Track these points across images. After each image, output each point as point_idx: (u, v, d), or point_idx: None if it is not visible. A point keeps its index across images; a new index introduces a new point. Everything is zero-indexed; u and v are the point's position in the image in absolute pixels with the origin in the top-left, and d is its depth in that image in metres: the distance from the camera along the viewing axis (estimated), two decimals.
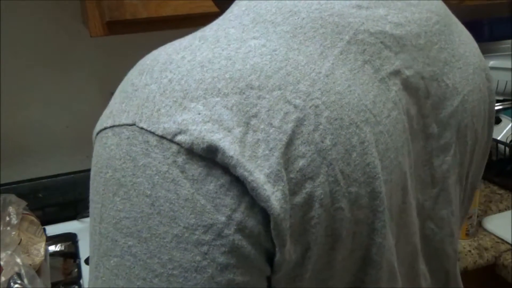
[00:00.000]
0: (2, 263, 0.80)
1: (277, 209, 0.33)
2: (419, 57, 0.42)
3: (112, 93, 0.40)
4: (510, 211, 1.19)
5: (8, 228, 0.87)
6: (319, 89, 0.35)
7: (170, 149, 0.32)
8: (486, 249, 1.07)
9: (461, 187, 0.51)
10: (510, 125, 1.37)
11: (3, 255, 0.81)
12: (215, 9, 1.02)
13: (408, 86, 0.42)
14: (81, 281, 1.00)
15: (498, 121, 1.39)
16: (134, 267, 0.33)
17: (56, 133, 1.29)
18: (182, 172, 0.32)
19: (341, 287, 0.40)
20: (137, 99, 0.34)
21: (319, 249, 0.36)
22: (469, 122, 0.48)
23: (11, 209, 0.90)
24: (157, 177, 0.32)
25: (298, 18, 0.37)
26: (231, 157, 0.32)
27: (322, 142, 0.35)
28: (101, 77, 1.30)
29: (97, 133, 0.37)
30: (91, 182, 0.37)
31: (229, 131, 0.32)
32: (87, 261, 0.95)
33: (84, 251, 1.08)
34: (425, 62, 0.43)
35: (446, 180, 0.47)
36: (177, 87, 0.33)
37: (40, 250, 0.91)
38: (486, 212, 1.20)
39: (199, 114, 0.32)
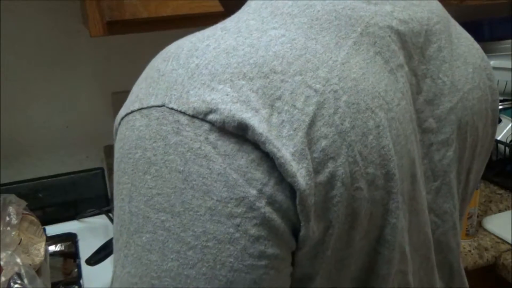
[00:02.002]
0: (2, 263, 0.80)
1: (302, 185, 0.34)
2: (415, 54, 0.44)
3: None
4: (510, 211, 1.19)
5: (8, 228, 0.87)
6: (337, 75, 0.37)
7: (202, 127, 0.34)
8: (486, 249, 1.07)
9: (459, 183, 0.52)
10: (510, 125, 1.37)
11: (3, 255, 0.81)
12: (215, 9, 1.02)
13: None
14: (81, 281, 1.00)
15: (498, 121, 1.38)
16: (167, 241, 0.34)
17: (56, 133, 1.29)
18: (214, 148, 0.33)
19: (357, 266, 0.42)
20: (165, 83, 0.35)
21: (340, 228, 0.38)
22: (469, 120, 0.49)
23: (11, 209, 0.90)
24: (189, 153, 0.33)
25: (314, 11, 0.39)
26: (261, 134, 0.33)
27: (342, 124, 0.37)
28: (101, 77, 1.30)
29: (122, 118, 0.38)
30: (116, 165, 0.37)
31: (256, 111, 0.34)
32: (87, 261, 0.95)
33: (84, 251, 1.08)
34: (420, 60, 0.45)
35: (447, 175, 0.48)
36: (204, 71, 0.35)
37: (40, 250, 0.91)
38: (486, 212, 1.21)
39: (227, 95, 0.34)
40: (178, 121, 0.34)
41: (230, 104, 0.34)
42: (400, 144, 0.41)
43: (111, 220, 1.24)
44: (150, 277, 0.34)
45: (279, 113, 0.35)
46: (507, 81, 1.39)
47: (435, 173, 0.48)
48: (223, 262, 0.34)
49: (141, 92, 0.37)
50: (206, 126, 0.34)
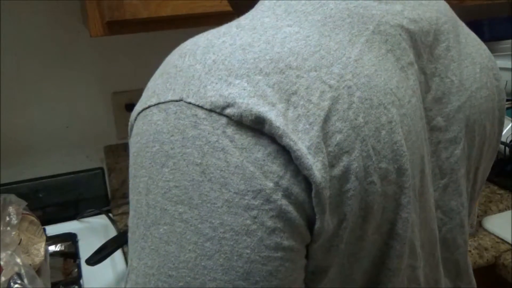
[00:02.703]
0: (2, 263, 0.80)
1: (318, 177, 0.35)
2: (424, 53, 0.45)
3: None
4: (510, 211, 1.19)
5: (8, 228, 0.87)
6: (350, 72, 0.38)
7: (219, 121, 0.34)
8: (486, 249, 1.07)
9: (468, 181, 0.52)
10: (510, 125, 1.37)
11: (3, 255, 0.81)
12: (215, 9, 1.02)
13: None
14: (81, 281, 1.00)
15: (504, 120, 1.39)
16: (185, 233, 0.34)
17: (56, 133, 1.29)
18: (231, 141, 0.34)
19: (368, 260, 0.42)
20: (182, 78, 0.36)
21: (353, 222, 0.39)
22: (477, 118, 0.50)
23: (11, 209, 0.90)
24: (207, 146, 0.34)
25: (327, 9, 0.40)
26: (278, 127, 0.34)
27: (356, 119, 0.37)
28: (101, 77, 1.30)
29: (139, 113, 0.38)
30: (132, 159, 0.38)
31: (273, 106, 0.35)
32: (87, 261, 0.95)
33: (84, 251, 1.08)
34: (429, 59, 0.46)
35: (455, 172, 0.49)
36: (221, 66, 0.35)
37: (40, 250, 0.91)
38: (486, 212, 1.21)
39: (244, 89, 0.35)
40: (196, 115, 0.34)
41: (247, 98, 0.34)
42: (411, 140, 0.42)
43: (111, 220, 1.24)
44: (168, 268, 0.35)
45: (295, 107, 0.35)
46: (507, 81, 1.39)
47: (443, 171, 0.48)
48: (240, 253, 0.34)
49: (158, 88, 0.37)
50: (224, 120, 0.34)
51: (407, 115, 0.41)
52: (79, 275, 1.02)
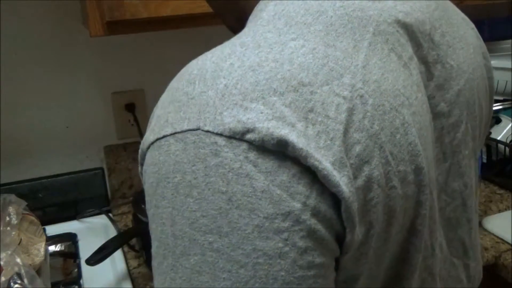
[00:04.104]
0: (2, 263, 0.80)
1: (346, 192, 0.35)
2: (424, 42, 0.45)
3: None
4: (510, 211, 1.19)
5: (8, 228, 0.87)
6: (360, 80, 0.38)
7: (240, 147, 0.34)
8: (486, 249, 1.07)
9: (475, 160, 0.54)
10: (510, 125, 1.37)
11: (3, 255, 0.81)
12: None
13: None
14: (81, 281, 1.00)
15: (498, 121, 1.38)
16: (217, 262, 0.34)
17: (56, 133, 1.29)
18: (255, 166, 0.34)
19: (391, 258, 0.43)
20: (196, 106, 0.36)
21: (379, 227, 0.39)
22: (476, 99, 0.51)
23: (11, 209, 0.90)
24: (230, 174, 0.34)
25: (326, 17, 0.40)
26: (301, 149, 0.34)
27: (371, 127, 0.38)
28: (101, 77, 1.30)
29: (152, 143, 0.38)
30: (151, 190, 0.38)
31: (293, 126, 0.35)
32: (87, 261, 0.95)
33: (84, 251, 1.08)
34: (430, 47, 0.46)
35: (456, 155, 0.50)
36: (234, 91, 0.35)
37: (40, 250, 0.91)
38: (486, 212, 1.20)
39: (262, 113, 0.34)
40: (216, 142, 0.34)
41: (266, 122, 0.34)
42: (423, 136, 0.43)
43: (111, 220, 1.24)
44: None
45: (313, 124, 0.35)
46: (507, 81, 1.39)
47: (445, 155, 0.49)
48: (275, 277, 0.34)
49: (171, 116, 0.37)
50: (244, 145, 0.34)
51: (417, 113, 0.42)
52: (79, 275, 1.02)
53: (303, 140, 0.34)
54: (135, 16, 0.93)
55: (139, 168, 0.41)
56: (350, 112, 0.37)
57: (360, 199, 0.37)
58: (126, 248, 1.12)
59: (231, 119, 0.34)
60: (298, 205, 0.34)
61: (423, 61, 0.45)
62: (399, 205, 0.40)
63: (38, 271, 0.88)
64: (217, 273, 0.34)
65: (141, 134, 1.34)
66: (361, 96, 0.38)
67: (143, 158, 0.39)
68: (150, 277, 1.03)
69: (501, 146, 1.33)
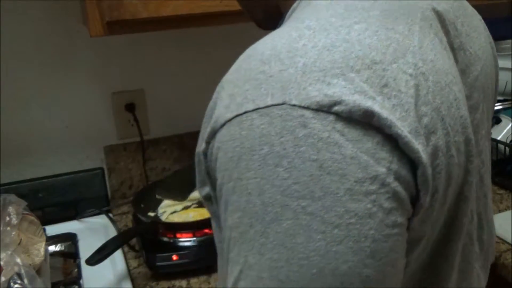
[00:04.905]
0: (2, 263, 0.80)
1: (424, 158, 0.40)
2: (451, 30, 0.50)
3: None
4: (510, 211, 1.19)
5: (8, 228, 0.87)
6: (420, 59, 0.42)
7: (327, 118, 0.37)
8: None
9: (488, 141, 0.59)
10: (510, 125, 1.37)
11: (3, 255, 0.81)
12: (215, 9, 1.02)
13: None
14: (81, 281, 1.00)
15: (498, 121, 1.38)
16: (311, 224, 0.37)
17: (56, 133, 1.30)
18: (342, 135, 0.37)
19: (443, 222, 0.47)
20: (277, 83, 0.38)
21: (441, 192, 0.43)
22: (489, 84, 0.56)
23: (11, 209, 0.90)
24: (320, 143, 0.37)
25: (381, 3, 0.44)
26: (386, 118, 0.38)
27: (434, 102, 0.42)
28: (101, 77, 1.30)
29: (230, 119, 0.40)
30: (231, 164, 0.40)
31: (374, 99, 0.38)
32: (87, 261, 0.95)
33: (84, 251, 1.08)
34: (455, 34, 0.50)
35: (476, 134, 0.53)
36: (314, 68, 0.38)
37: (40, 250, 0.91)
38: None
39: (345, 87, 0.38)
40: (303, 115, 0.37)
41: (351, 95, 0.37)
42: (466, 111, 0.47)
43: (111, 220, 1.24)
44: (298, 258, 0.37)
45: (388, 98, 0.39)
46: (507, 81, 1.39)
47: None
48: (366, 235, 0.37)
49: (249, 94, 0.39)
50: (331, 117, 0.37)
51: (461, 91, 0.47)
52: (79, 275, 1.02)
53: (385, 111, 0.38)
54: (135, 16, 0.93)
55: (202, 147, 0.43)
56: (417, 87, 0.41)
57: (429, 165, 0.41)
58: (126, 248, 1.12)
59: (317, 93, 0.37)
60: (383, 170, 0.38)
61: (451, 47, 0.49)
62: (455, 172, 0.44)
63: (38, 271, 0.88)
64: (311, 235, 0.37)
65: (141, 134, 1.34)
66: (423, 74, 0.42)
67: (212, 137, 0.41)
68: (150, 277, 1.03)
69: (501, 146, 1.33)
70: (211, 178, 0.45)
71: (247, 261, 0.39)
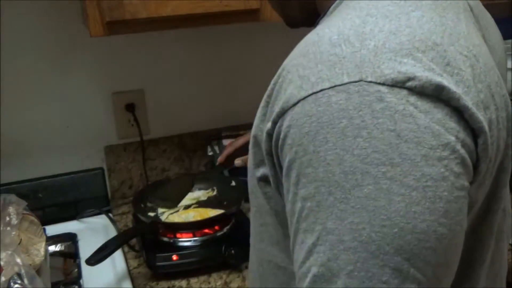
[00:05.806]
0: (2, 263, 0.80)
1: (487, 128, 0.44)
2: (477, 23, 0.54)
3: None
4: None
5: (8, 228, 0.87)
6: (470, 43, 0.47)
7: (401, 93, 0.41)
8: None
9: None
10: None
11: (3, 255, 0.81)
12: (215, 9, 1.02)
13: None
14: (81, 281, 1.01)
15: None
16: (391, 188, 0.41)
17: (56, 133, 1.30)
18: (415, 108, 0.41)
19: (488, 191, 0.51)
20: (351, 63, 0.42)
21: (493, 162, 0.47)
22: (503, 74, 0.59)
23: (11, 209, 0.90)
24: (396, 114, 0.41)
25: None
26: (455, 92, 0.42)
27: (485, 80, 0.46)
28: (101, 77, 1.30)
29: (304, 98, 0.43)
30: (307, 138, 0.43)
31: (441, 76, 0.42)
32: (87, 261, 0.95)
33: (84, 251, 1.08)
34: (479, 27, 0.54)
35: None
36: (384, 49, 0.42)
37: (40, 250, 0.91)
38: None
39: (415, 66, 0.42)
40: (379, 90, 0.41)
41: (422, 72, 0.42)
42: (505, 90, 0.51)
43: (111, 220, 1.24)
44: (380, 220, 0.41)
45: (451, 75, 0.43)
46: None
47: None
48: (440, 196, 0.41)
49: (324, 73, 0.43)
50: (405, 91, 0.41)
51: (499, 74, 0.51)
52: (79, 275, 1.02)
53: (452, 86, 0.42)
54: (135, 16, 0.93)
55: (267, 127, 0.47)
56: (472, 67, 0.45)
57: None
58: (126, 248, 1.12)
59: (391, 71, 0.41)
60: (452, 138, 0.42)
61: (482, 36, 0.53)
62: (501, 145, 0.48)
63: (38, 271, 0.88)
64: (392, 197, 0.41)
65: (141, 134, 1.34)
66: (475, 56, 0.46)
67: (281, 116, 0.45)
68: (150, 277, 1.03)
69: None
70: (272, 157, 0.48)
71: (325, 227, 0.42)
